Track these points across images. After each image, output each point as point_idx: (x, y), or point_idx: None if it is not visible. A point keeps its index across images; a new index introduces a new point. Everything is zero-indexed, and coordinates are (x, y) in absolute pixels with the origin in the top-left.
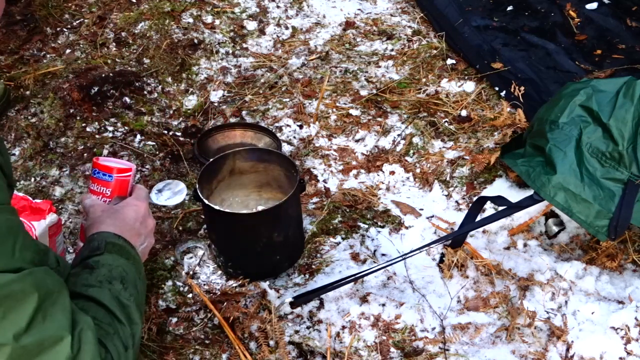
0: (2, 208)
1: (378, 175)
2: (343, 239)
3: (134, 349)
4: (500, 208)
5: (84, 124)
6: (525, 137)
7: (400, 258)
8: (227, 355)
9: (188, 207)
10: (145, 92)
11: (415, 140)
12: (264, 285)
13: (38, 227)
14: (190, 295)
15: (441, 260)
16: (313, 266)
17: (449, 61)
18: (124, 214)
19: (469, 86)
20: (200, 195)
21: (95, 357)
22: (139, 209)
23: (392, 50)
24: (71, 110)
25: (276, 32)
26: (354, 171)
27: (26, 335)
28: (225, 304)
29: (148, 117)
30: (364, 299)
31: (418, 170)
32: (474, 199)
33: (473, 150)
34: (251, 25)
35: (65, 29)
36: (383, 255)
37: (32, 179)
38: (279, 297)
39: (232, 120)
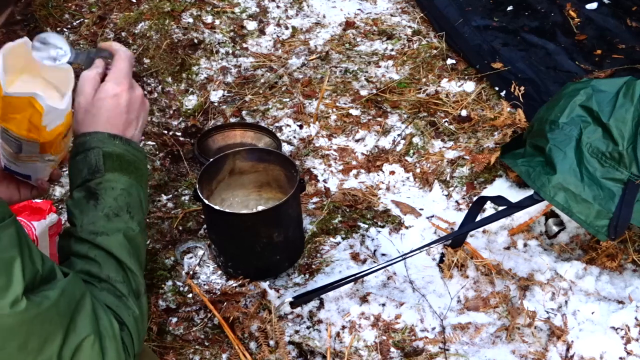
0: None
1: (378, 175)
2: (343, 239)
3: (146, 294)
4: (500, 208)
5: None
6: (525, 137)
7: (400, 258)
8: (227, 355)
9: (188, 207)
10: (145, 92)
11: (415, 140)
12: (264, 285)
13: (38, 227)
14: (190, 295)
15: (441, 260)
16: (313, 266)
17: (449, 61)
18: (109, 105)
19: (469, 86)
20: (200, 195)
21: (119, 351)
22: (122, 94)
23: (392, 50)
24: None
25: (276, 32)
26: (354, 171)
27: (63, 350)
28: (225, 304)
29: (148, 117)
30: (364, 299)
31: (418, 170)
32: (474, 199)
33: (473, 150)
34: (251, 25)
35: (65, 29)
36: (383, 255)
37: None
38: (279, 297)
39: (232, 120)
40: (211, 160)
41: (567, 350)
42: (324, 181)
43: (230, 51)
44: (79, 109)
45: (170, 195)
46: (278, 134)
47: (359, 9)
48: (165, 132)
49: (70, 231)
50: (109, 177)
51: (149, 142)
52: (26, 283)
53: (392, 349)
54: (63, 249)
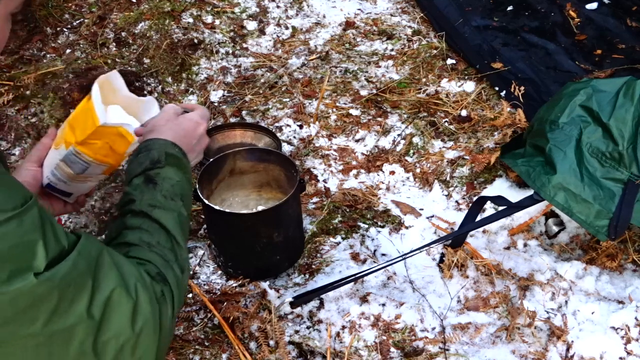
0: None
1: (378, 175)
2: (343, 239)
3: (188, 271)
4: (500, 208)
5: None
6: (525, 137)
7: (400, 258)
8: (227, 355)
9: None
10: (145, 92)
11: (415, 140)
12: (264, 285)
13: None
14: (190, 295)
15: (441, 260)
16: (313, 266)
17: (449, 61)
18: (185, 128)
19: (469, 86)
20: (200, 195)
21: (153, 302)
22: (199, 126)
23: (392, 50)
24: (71, 110)
25: (276, 32)
26: (354, 171)
27: (92, 307)
28: (225, 304)
29: None
30: (364, 299)
31: (418, 170)
32: (474, 199)
33: (473, 150)
34: (251, 25)
35: (65, 29)
36: (383, 255)
37: None
38: (279, 297)
39: (232, 120)
40: (211, 160)
41: (567, 350)
42: (324, 181)
43: (230, 51)
44: (158, 122)
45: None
46: (278, 134)
47: (359, 9)
48: None
49: (127, 208)
50: (167, 170)
51: None
52: (49, 260)
53: (392, 349)
54: (116, 226)
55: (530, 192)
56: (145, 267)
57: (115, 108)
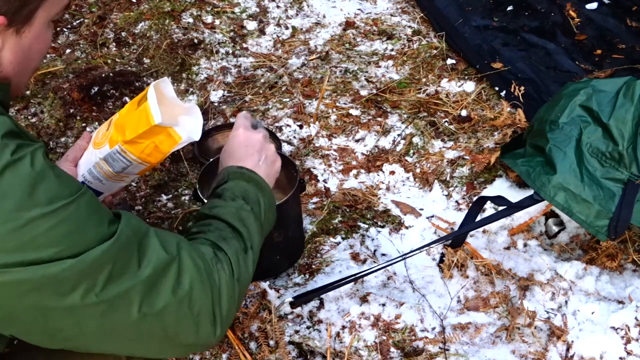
0: (83, 190)
1: (378, 175)
2: (343, 239)
3: (253, 253)
4: (500, 208)
5: (84, 124)
6: (525, 137)
7: (400, 258)
8: (227, 355)
9: (188, 207)
10: None
11: (415, 140)
12: (264, 285)
13: None
14: None
15: (441, 260)
16: (313, 266)
17: (449, 61)
18: (230, 150)
19: (469, 86)
20: (200, 195)
21: (195, 259)
22: (239, 135)
23: (392, 50)
24: (71, 110)
25: (276, 32)
26: (354, 171)
27: (142, 270)
28: None
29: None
30: (364, 299)
31: (418, 170)
32: (474, 199)
33: (473, 150)
34: (251, 25)
35: (65, 29)
36: (383, 255)
37: None
38: (279, 297)
39: (232, 120)
40: (211, 160)
41: (567, 350)
42: (324, 181)
43: (230, 51)
44: (227, 148)
45: (170, 195)
46: (278, 134)
47: (359, 9)
48: None
49: (193, 216)
50: (230, 183)
51: None
52: (103, 235)
53: (392, 349)
54: (184, 233)
55: (530, 192)
56: (197, 240)
57: (163, 109)
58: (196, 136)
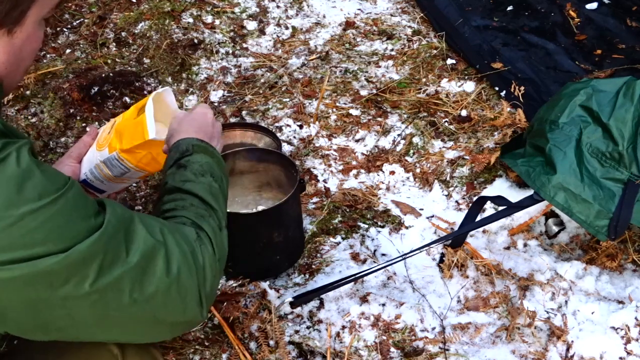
0: (68, 185)
1: (378, 175)
2: (343, 239)
3: (226, 231)
4: (500, 208)
5: (84, 124)
6: (525, 137)
7: (400, 258)
8: (227, 355)
9: None
10: (145, 92)
11: (415, 140)
12: (264, 285)
13: None
14: None
15: (441, 260)
16: (313, 266)
17: (449, 61)
18: (198, 120)
19: (469, 86)
20: None
21: (180, 243)
22: (207, 114)
23: (392, 50)
24: (71, 110)
25: (276, 32)
26: (354, 171)
27: (131, 257)
28: (225, 304)
29: None
30: (364, 299)
31: (418, 170)
32: (474, 199)
33: (473, 150)
34: (251, 25)
35: (65, 29)
36: (383, 255)
37: None
38: (279, 297)
39: (232, 120)
40: None
41: (567, 350)
42: (324, 181)
43: (230, 51)
44: (174, 126)
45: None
46: (278, 134)
47: (359, 9)
48: None
49: (162, 190)
50: (195, 156)
51: None
52: (91, 227)
53: (392, 349)
54: (155, 206)
55: (530, 192)
56: (177, 219)
57: (161, 121)
58: None
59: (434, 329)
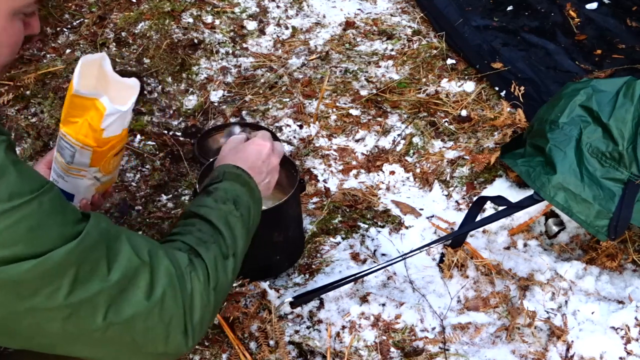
0: (47, 187)
1: (378, 175)
2: (343, 239)
3: (235, 260)
4: (500, 208)
5: None
6: (525, 137)
7: (400, 258)
8: (227, 355)
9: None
10: (145, 92)
11: (415, 140)
12: (264, 285)
13: None
14: None
15: (441, 260)
16: (313, 266)
17: (449, 61)
18: (246, 151)
19: (469, 86)
20: None
21: (168, 267)
22: (262, 148)
23: (392, 50)
24: None
25: (276, 32)
26: (354, 171)
27: (112, 273)
28: (225, 304)
29: (148, 117)
30: (364, 299)
31: (418, 170)
32: (474, 199)
33: (473, 150)
34: (251, 25)
35: (65, 29)
36: (383, 255)
37: None
38: (279, 297)
39: (232, 120)
40: (211, 160)
41: (567, 350)
42: (324, 181)
43: (230, 51)
44: (226, 151)
45: (170, 195)
46: (278, 134)
47: (359, 9)
48: (165, 132)
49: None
50: (225, 184)
51: (149, 142)
52: (67, 236)
53: (392, 349)
54: (171, 231)
55: (530, 192)
56: (174, 244)
57: (96, 86)
58: (124, 107)
59: (434, 329)
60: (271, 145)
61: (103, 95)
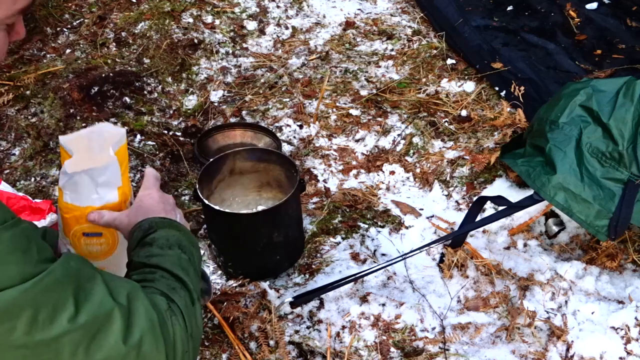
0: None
1: (378, 175)
2: (343, 239)
3: (199, 305)
4: (500, 208)
5: (84, 124)
6: (525, 137)
7: (400, 258)
8: (227, 355)
9: (188, 207)
10: (145, 92)
11: (415, 140)
12: (264, 285)
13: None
14: None
15: (441, 260)
16: (313, 266)
17: (449, 61)
18: (146, 206)
19: (469, 86)
20: (200, 195)
21: (149, 311)
22: (152, 194)
23: (392, 50)
24: (71, 110)
25: (276, 32)
26: (354, 171)
27: (80, 315)
28: (225, 304)
29: (148, 117)
30: (364, 299)
31: (418, 170)
32: (474, 199)
33: (473, 150)
34: (251, 25)
35: (65, 29)
36: (383, 255)
37: (32, 179)
38: (279, 297)
39: (232, 120)
40: (211, 160)
41: (567, 350)
42: (324, 181)
43: (230, 51)
44: (128, 214)
45: (170, 195)
46: (278, 134)
47: (359, 9)
48: (165, 132)
49: (127, 271)
50: (161, 232)
51: (149, 142)
52: (27, 274)
53: (392, 349)
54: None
55: (530, 192)
56: (147, 289)
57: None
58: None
59: (434, 329)
60: (157, 188)
61: (69, 145)
